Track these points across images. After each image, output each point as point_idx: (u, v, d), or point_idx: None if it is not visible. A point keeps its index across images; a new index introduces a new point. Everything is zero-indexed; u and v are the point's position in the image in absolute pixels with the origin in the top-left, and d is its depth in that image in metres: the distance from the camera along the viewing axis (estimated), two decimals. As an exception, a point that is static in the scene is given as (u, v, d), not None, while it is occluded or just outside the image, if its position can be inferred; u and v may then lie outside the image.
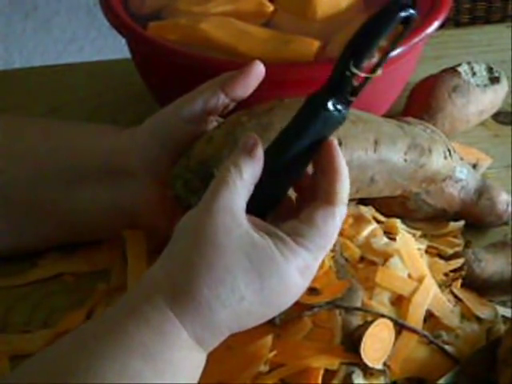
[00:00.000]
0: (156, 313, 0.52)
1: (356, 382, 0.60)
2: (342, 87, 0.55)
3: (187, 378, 0.53)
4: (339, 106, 0.56)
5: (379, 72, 0.56)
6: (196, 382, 0.54)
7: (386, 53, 0.56)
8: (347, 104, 0.56)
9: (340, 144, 0.63)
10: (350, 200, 0.71)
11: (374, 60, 0.56)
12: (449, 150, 0.71)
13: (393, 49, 0.56)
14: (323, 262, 0.64)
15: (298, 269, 0.54)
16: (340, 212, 0.56)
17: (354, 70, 0.55)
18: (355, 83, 0.56)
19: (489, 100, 0.89)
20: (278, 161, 0.56)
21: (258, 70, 0.68)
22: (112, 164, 0.70)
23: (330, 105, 0.56)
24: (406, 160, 0.67)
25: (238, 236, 0.53)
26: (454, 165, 0.72)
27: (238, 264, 0.53)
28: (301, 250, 0.54)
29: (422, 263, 0.67)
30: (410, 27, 0.55)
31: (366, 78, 0.56)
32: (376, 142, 0.66)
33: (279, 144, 0.57)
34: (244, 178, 0.55)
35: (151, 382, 0.51)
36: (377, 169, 0.66)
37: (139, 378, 0.50)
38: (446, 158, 0.70)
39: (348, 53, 0.55)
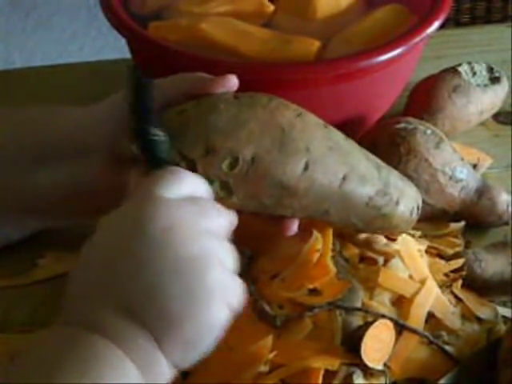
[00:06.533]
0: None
1: (356, 382, 0.60)
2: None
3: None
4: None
5: None
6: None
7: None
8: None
9: (306, 168, 0.59)
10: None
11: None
12: (417, 208, 0.66)
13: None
14: (323, 261, 0.64)
15: None
16: None
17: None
18: None
19: (489, 100, 0.89)
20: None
21: (230, 84, 0.64)
22: (72, 141, 0.68)
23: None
24: (367, 204, 0.62)
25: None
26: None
27: None
28: None
29: (423, 264, 0.67)
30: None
31: None
32: (344, 178, 0.61)
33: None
34: None
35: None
36: (335, 203, 0.61)
37: None
38: (411, 215, 0.65)
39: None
